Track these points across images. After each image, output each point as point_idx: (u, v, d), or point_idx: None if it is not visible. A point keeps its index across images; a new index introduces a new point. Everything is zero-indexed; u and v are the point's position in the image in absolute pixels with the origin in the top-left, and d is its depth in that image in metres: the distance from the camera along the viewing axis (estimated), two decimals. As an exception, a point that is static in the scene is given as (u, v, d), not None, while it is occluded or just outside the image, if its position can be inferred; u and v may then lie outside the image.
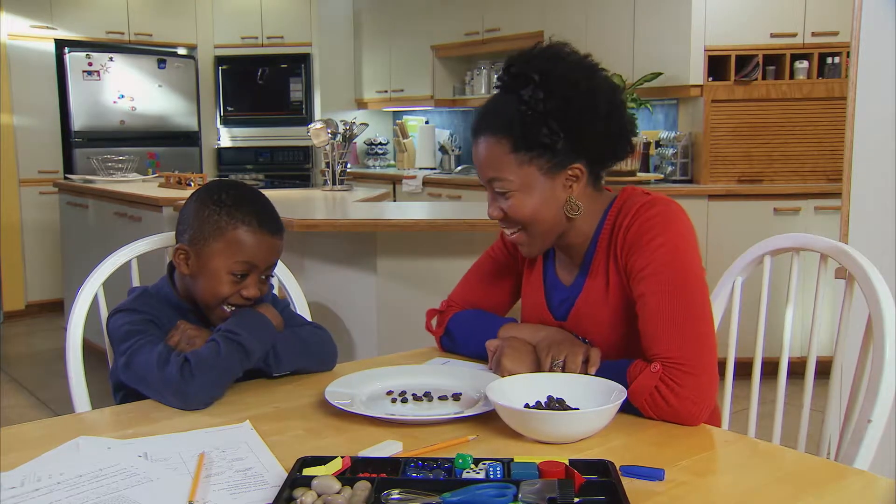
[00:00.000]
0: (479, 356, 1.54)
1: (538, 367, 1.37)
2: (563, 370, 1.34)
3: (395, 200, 5.67)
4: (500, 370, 1.40)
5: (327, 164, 4.37)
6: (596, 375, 1.30)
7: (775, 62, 4.38)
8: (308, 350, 1.53)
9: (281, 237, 1.52)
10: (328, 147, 4.29)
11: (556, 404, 1.22)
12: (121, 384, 1.48)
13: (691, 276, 1.31)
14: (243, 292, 1.47)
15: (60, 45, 5.81)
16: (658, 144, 4.69)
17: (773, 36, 4.31)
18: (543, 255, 1.54)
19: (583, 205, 1.39)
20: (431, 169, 6.24)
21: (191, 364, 1.33)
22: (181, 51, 6.44)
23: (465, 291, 1.66)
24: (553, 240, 1.44)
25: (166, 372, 1.33)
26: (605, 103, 1.34)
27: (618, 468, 1.00)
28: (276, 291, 1.79)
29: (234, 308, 1.48)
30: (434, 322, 1.64)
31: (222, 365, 1.35)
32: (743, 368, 1.62)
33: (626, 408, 1.23)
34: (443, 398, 1.34)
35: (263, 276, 1.51)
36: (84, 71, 5.81)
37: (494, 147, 1.36)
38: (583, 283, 1.44)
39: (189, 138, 6.33)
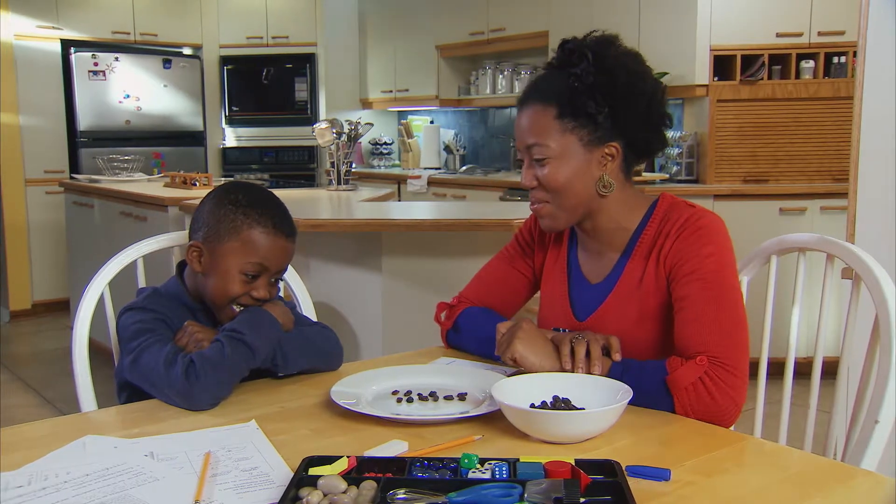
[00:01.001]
0: (483, 354, 1.55)
1: (552, 353, 1.34)
2: (589, 349, 1.33)
3: (399, 200, 5.67)
4: (509, 351, 1.35)
5: (332, 163, 4.37)
6: (622, 371, 1.29)
7: (781, 62, 4.37)
8: (314, 349, 1.53)
9: (294, 241, 1.53)
10: (333, 147, 4.29)
11: (561, 404, 1.22)
12: (125, 384, 1.48)
13: (734, 287, 1.36)
14: (253, 293, 1.48)
15: (66, 45, 5.82)
16: (663, 144, 4.68)
17: (778, 35, 4.30)
18: (567, 250, 1.55)
19: (615, 184, 1.43)
20: (436, 169, 6.24)
21: (196, 365, 1.33)
22: (186, 51, 6.45)
23: (477, 288, 1.67)
24: (579, 216, 1.45)
25: (172, 373, 1.33)
26: (650, 89, 1.41)
27: (624, 468, 1.00)
28: (281, 293, 1.80)
29: (242, 307, 1.49)
30: (444, 315, 1.64)
31: (227, 365, 1.35)
32: (749, 368, 1.61)
33: (638, 403, 1.23)
34: (448, 398, 1.34)
35: (273, 279, 1.52)
36: (90, 71, 5.83)
37: (540, 113, 1.41)
38: (615, 281, 1.45)
39: (194, 138, 6.34)
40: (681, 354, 1.32)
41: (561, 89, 1.40)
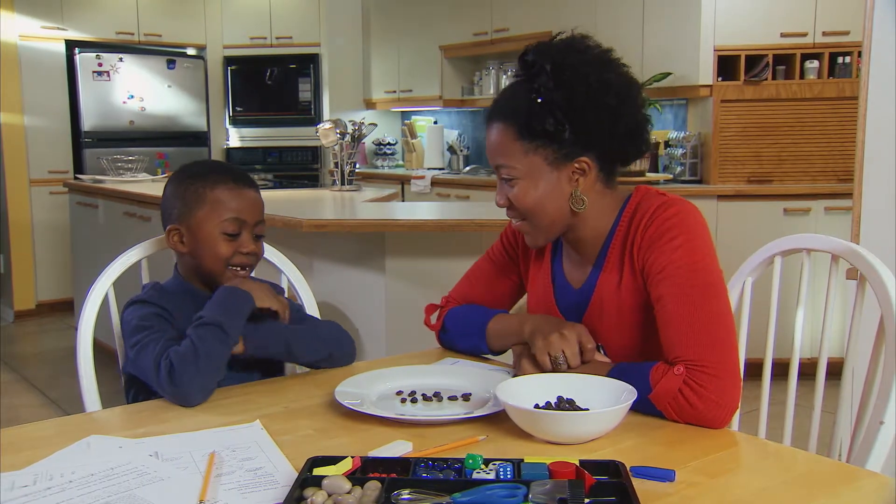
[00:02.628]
0: (472, 351, 1.58)
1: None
2: (569, 365, 1.34)
3: (403, 200, 5.67)
4: (520, 370, 1.40)
5: (336, 164, 4.37)
6: (618, 377, 1.27)
7: (785, 62, 4.37)
8: (326, 338, 1.57)
9: (258, 191, 1.60)
10: (337, 147, 4.29)
11: (566, 405, 1.22)
12: (132, 379, 1.51)
13: (710, 277, 1.30)
14: (242, 249, 1.54)
15: (71, 45, 5.83)
16: (667, 144, 4.68)
17: (783, 35, 4.29)
18: (552, 254, 1.54)
19: (590, 199, 1.38)
20: (440, 169, 6.24)
21: (173, 365, 1.34)
22: (190, 51, 6.46)
23: (463, 289, 1.67)
24: (558, 232, 1.43)
25: (160, 377, 1.35)
26: (615, 98, 1.33)
27: (628, 469, 1.00)
28: (286, 293, 1.80)
29: (238, 268, 1.54)
30: (434, 318, 1.65)
31: (201, 352, 1.35)
32: (753, 369, 1.61)
33: (637, 408, 1.22)
34: (452, 398, 1.34)
35: (255, 235, 1.57)
36: (94, 71, 5.84)
37: (503, 133, 1.37)
38: (595, 282, 1.43)
39: (198, 138, 6.35)
40: (665, 358, 1.29)
41: (520, 106, 1.33)
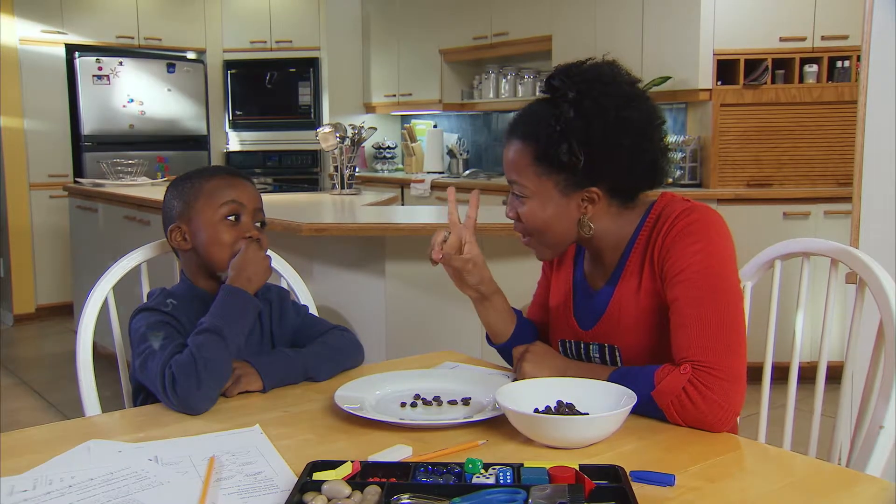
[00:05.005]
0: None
1: (560, 371, 1.38)
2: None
3: (403, 204, 5.67)
4: (520, 372, 1.40)
5: (336, 167, 4.37)
6: (619, 380, 1.28)
7: (784, 66, 4.37)
8: (340, 356, 1.57)
9: (252, 183, 1.61)
10: (337, 151, 4.30)
11: (565, 409, 1.22)
12: (141, 386, 1.50)
13: (726, 283, 1.31)
14: (244, 234, 1.54)
15: (71, 49, 5.84)
16: (667, 148, 4.68)
17: (782, 40, 4.30)
18: (574, 258, 1.55)
19: (604, 221, 1.39)
20: (440, 173, 6.24)
21: (175, 375, 1.33)
22: (190, 55, 6.46)
23: (531, 310, 1.67)
24: (564, 249, 1.46)
25: (165, 387, 1.34)
26: (631, 138, 1.33)
27: (628, 473, 1.00)
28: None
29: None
30: None
31: (200, 361, 1.34)
32: (753, 373, 1.60)
33: (638, 410, 1.22)
34: (452, 402, 1.34)
35: (257, 224, 1.57)
36: (94, 75, 5.84)
37: (521, 151, 1.38)
38: (615, 286, 1.43)
39: (198, 142, 6.35)
40: (673, 360, 1.30)
41: (540, 129, 1.34)
